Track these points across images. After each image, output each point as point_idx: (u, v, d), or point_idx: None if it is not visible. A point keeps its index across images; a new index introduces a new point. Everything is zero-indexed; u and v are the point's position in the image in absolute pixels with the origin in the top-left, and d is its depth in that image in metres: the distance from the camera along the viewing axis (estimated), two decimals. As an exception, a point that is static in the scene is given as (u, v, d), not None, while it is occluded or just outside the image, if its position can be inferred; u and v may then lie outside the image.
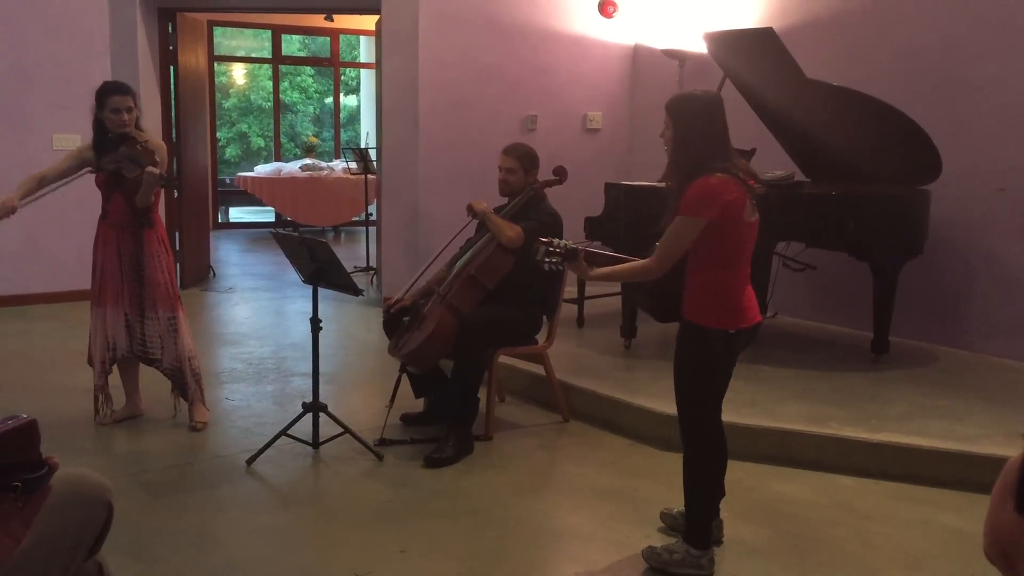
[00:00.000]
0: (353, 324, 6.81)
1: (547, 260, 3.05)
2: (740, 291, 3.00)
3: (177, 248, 7.65)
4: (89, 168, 4.32)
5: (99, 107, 4.27)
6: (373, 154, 8.88)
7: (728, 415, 3.43)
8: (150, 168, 4.11)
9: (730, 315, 2.97)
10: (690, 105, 2.99)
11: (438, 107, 7.27)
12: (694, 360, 3.02)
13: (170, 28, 7.90)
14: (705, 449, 3.07)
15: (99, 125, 4.29)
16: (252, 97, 17.66)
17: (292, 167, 12.24)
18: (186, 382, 4.43)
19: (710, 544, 3.07)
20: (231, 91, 17.33)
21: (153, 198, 4.32)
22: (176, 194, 7.89)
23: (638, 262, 3.02)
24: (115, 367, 4.47)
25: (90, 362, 4.46)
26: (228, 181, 13.77)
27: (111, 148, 4.21)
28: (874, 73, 5.79)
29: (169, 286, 4.38)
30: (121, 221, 4.33)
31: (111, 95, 4.25)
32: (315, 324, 4.09)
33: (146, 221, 4.34)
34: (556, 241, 3.07)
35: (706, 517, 3.08)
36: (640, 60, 7.79)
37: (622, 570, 3.10)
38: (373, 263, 8.55)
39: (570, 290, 5.42)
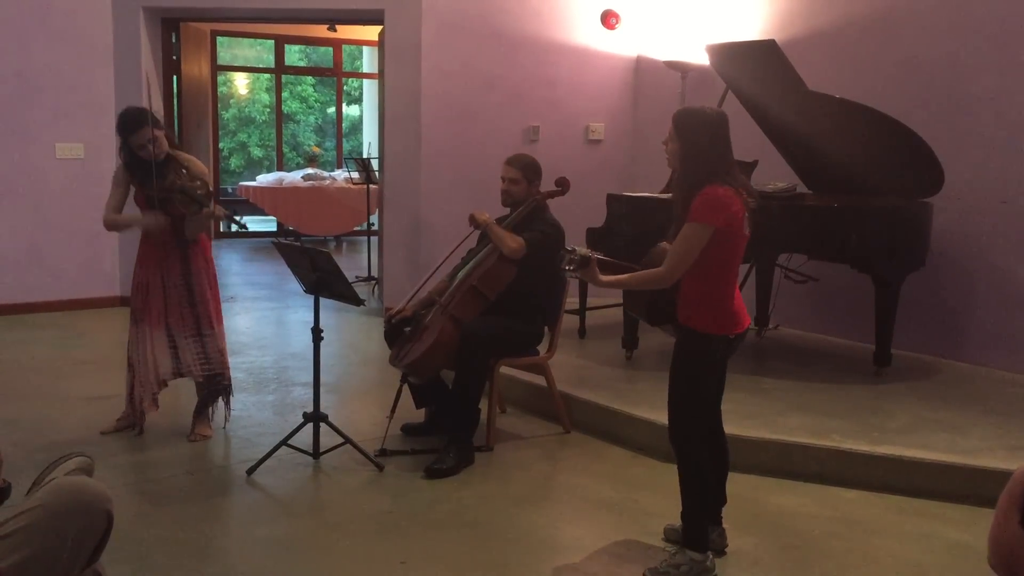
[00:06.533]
0: (354, 334, 6.81)
1: (568, 268, 3.06)
2: (735, 297, 3.13)
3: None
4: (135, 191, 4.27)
5: (124, 144, 4.16)
6: (375, 164, 8.90)
7: (730, 427, 3.44)
8: (212, 210, 4.03)
9: (730, 321, 3.09)
10: (696, 122, 3.06)
11: (440, 117, 7.29)
12: (695, 366, 3.10)
13: (173, 38, 7.93)
14: (699, 453, 3.11)
15: (131, 152, 4.17)
16: (248, 110, 17.69)
17: (294, 177, 12.26)
18: (207, 403, 4.43)
19: (708, 546, 3.10)
20: (231, 101, 17.37)
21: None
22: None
23: (650, 270, 3.09)
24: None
25: (130, 369, 4.37)
26: (230, 191, 13.81)
27: (149, 174, 4.07)
28: (876, 85, 5.80)
29: (211, 301, 4.35)
30: (164, 239, 4.28)
31: (128, 136, 4.11)
32: (316, 334, 4.09)
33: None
34: (577, 248, 3.12)
35: (705, 521, 3.13)
36: (642, 72, 7.80)
37: (623, 582, 3.09)
38: (375, 273, 8.55)
39: (572, 301, 5.41)
